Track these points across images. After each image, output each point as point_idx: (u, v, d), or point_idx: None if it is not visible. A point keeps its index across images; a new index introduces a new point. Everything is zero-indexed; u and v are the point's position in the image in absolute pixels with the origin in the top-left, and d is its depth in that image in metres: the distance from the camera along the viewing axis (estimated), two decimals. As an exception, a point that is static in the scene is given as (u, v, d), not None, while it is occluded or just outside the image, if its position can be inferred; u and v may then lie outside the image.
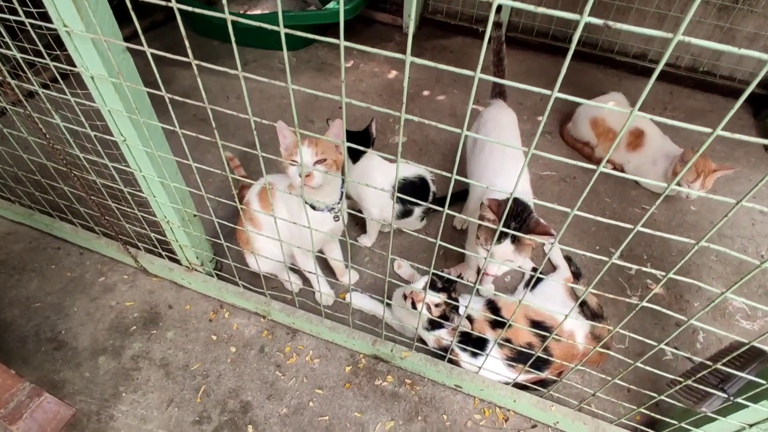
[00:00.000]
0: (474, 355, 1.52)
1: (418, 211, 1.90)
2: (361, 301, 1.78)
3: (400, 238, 2.08)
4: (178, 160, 1.28)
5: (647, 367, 1.12)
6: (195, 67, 0.89)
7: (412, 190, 1.79)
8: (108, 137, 1.27)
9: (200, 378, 1.59)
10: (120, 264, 1.90)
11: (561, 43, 3.24)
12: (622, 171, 2.46)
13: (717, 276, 1.99)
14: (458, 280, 1.42)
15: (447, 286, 1.49)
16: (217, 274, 1.79)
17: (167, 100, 1.03)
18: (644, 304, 0.97)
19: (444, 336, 1.54)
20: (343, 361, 1.65)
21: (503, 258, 1.32)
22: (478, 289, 1.88)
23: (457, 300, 1.50)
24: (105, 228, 1.75)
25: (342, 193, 1.47)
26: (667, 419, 1.32)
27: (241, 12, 3.16)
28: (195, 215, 1.58)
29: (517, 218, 1.31)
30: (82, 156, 1.42)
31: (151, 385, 1.57)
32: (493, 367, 1.49)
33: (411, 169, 1.85)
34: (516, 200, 1.44)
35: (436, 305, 1.46)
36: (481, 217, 1.38)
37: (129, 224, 1.69)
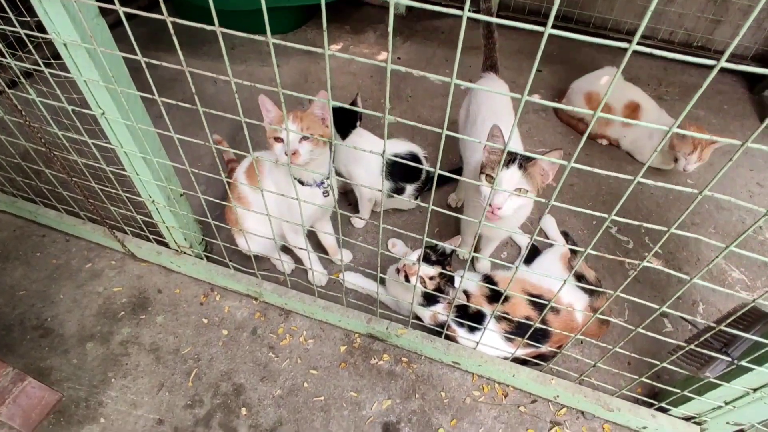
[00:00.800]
0: (471, 329, 1.48)
1: (410, 189, 1.86)
2: (355, 279, 1.74)
3: (394, 217, 2.04)
4: (162, 133, 1.23)
5: (648, 333, 1.09)
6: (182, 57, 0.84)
7: (403, 166, 1.74)
8: (86, 111, 1.22)
9: (191, 362, 1.55)
10: (107, 250, 1.85)
11: (553, 20, 3.18)
12: (618, 146, 2.43)
13: (716, 249, 1.97)
14: (454, 248, 1.38)
15: (441, 259, 1.45)
16: (207, 257, 1.75)
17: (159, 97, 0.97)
18: (645, 263, 0.93)
19: (440, 311, 1.50)
20: (338, 340, 1.62)
21: (510, 185, 1.27)
22: (473, 265, 1.85)
23: (452, 273, 1.47)
24: (90, 212, 1.70)
25: (331, 167, 1.42)
26: (670, 388, 1.29)
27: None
28: (182, 194, 1.53)
29: (522, 156, 1.28)
30: (61, 134, 1.36)
31: (140, 370, 1.53)
32: (491, 341, 1.46)
33: (402, 146, 1.81)
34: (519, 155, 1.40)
35: (431, 278, 1.42)
36: (488, 156, 1.34)
37: (114, 206, 1.64)
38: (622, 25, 3.10)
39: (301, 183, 1.43)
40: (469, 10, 0.62)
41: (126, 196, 1.52)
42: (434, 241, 1.34)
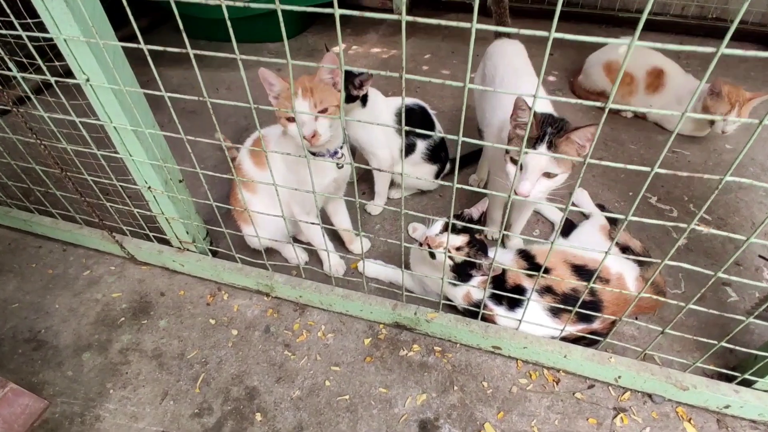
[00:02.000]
0: (511, 306, 1.30)
1: (421, 145, 1.71)
2: (375, 269, 1.57)
3: (413, 202, 1.89)
4: (170, 135, 1.12)
5: (710, 311, 0.90)
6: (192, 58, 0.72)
7: (413, 118, 1.65)
8: (71, 81, 1.11)
9: (198, 366, 1.38)
10: (106, 255, 1.71)
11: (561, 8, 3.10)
12: (644, 117, 2.27)
13: (770, 211, 1.78)
14: (482, 212, 1.22)
15: (469, 228, 1.29)
16: (212, 252, 1.60)
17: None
18: (694, 226, 0.78)
19: (474, 286, 1.33)
20: (361, 333, 1.44)
21: (538, 169, 1.12)
22: (504, 244, 1.68)
23: (482, 242, 1.30)
24: (86, 215, 1.58)
25: (345, 134, 1.27)
26: (754, 351, 1.09)
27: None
28: (181, 180, 1.40)
29: (553, 124, 1.11)
30: (47, 116, 1.25)
31: (142, 378, 1.36)
32: (535, 318, 1.28)
33: (408, 100, 1.72)
34: (549, 114, 1.26)
35: (458, 248, 1.25)
36: (512, 130, 1.18)
37: (110, 202, 1.51)
38: (631, 3, 3.00)
39: (313, 153, 1.29)
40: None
41: (121, 186, 1.40)
42: (459, 215, 1.19)
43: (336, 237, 1.69)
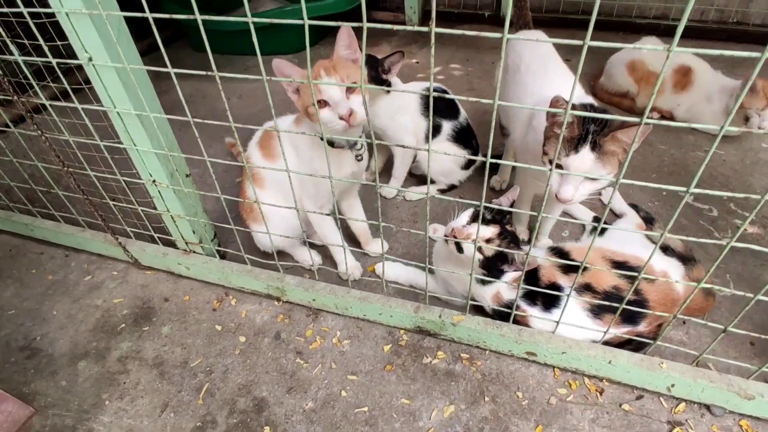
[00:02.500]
0: (547, 306, 1.17)
1: (447, 126, 1.68)
2: (395, 270, 1.46)
3: (432, 203, 1.78)
4: (173, 118, 1.05)
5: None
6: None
7: (439, 103, 1.65)
8: (72, 62, 1.04)
9: (202, 375, 1.26)
10: (109, 260, 1.62)
11: (573, 15, 3.07)
12: (671, 118, 2.17)
13: (819, 209, 1.64)
14: (512, 202, 1.12)
15: (499, 218, 1.18)
16: (219, 255, 1.50)
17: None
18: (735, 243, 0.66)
19: (506, 282, 1.21)
20: (380, 339, 1.32)
21: (581, 172, 1.01)
22: (534, 243, 1.55)
23: (514, 234, 1.19)
24: (90, 216, 1.50)
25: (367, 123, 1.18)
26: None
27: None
28: (188, 174, 1.32)
29: (595, 120, 1.01)
30: (48, 104, 1.18)
31: (141, 388, 1.24)
32: (573, 319, 1.15)
33: (425, 84, 1.73)
34: (590, 104, 1.16)
35: (488, 240, 1.14)
36: (549, 128, 1.08)
37: (114, 201, 1.43)
38: (648, 10, 2.94)
39: (331, 144, 1.20)
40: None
41: (125, 180, 1.32)
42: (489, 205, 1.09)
43: (351, 239, 1.58)
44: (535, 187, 1.36)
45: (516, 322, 1.22)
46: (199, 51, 3.24)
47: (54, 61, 1.06)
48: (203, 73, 0.92)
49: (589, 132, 0.98)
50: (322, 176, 1.06)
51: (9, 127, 1.40)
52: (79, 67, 1.05)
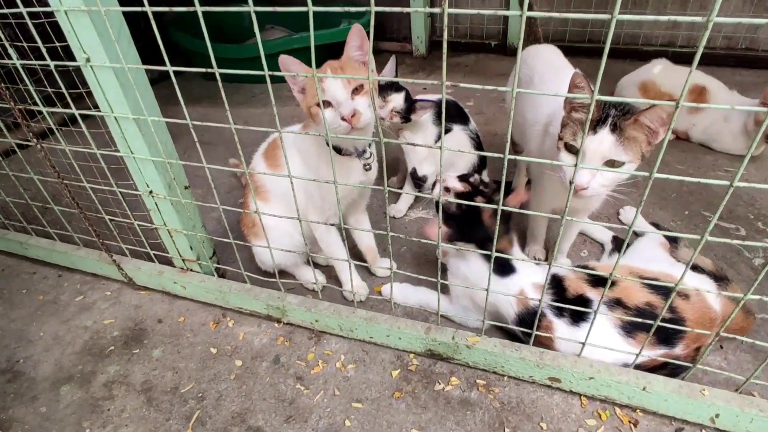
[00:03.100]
0: (575, 319, 1.07)
1: (457, 128, 1.68)
2: (404, 291, 1.37)
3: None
4: (172, 121, 1.01)
5: None
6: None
7: (448, 107, 1.63)
8: (70, 64, 1.01)
9: (193, 402, 1.16)
10: (103, 280, 1.55)
11: (579, 44, 3.08)
12: (687, 140, 2.11)
13: None
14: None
15: (478, 184, 1.17)
16: (218, 274, 1.42)
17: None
18: None
19: (529, 288, 1.12)
20: (388, 364, 1.21)
21: (599, 156, 0.94)
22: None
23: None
24: (85, 233, 1.44)
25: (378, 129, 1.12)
26: None
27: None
28: (186, 186, 1.26)
29: (617, 105, 0.95)
30: (46, 111, 1.15)
31: (126, 416, 1.14)
32: (603, 337, 1.04)
33: (437, 96, 1.71)
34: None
35: (458, 195, 1.14)
36: (567, 115, 1.02)
37: (110, 215, 1.37)
38: (654, 39, 2.95)
39: (338, 151, 1.14)
40: None
41: (121, 192, 1.26)
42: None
43: (358, 259, 1.50)
44: (552, 202, 1.29)
45: (538, 343, 1.11)
46: (208, 80, 3.27)
47: (52, 64, 1.03)
48: (201, 71, 0.85)
49: (609, 115, 0.92)
50: (326, 181, 0.99)
51: (5, 137, 1.36)
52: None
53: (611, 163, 0.95)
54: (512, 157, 0.81)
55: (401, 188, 1.82)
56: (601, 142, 0.93)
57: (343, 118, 0.99)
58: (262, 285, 1.35)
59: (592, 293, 1.09)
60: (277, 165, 1.26)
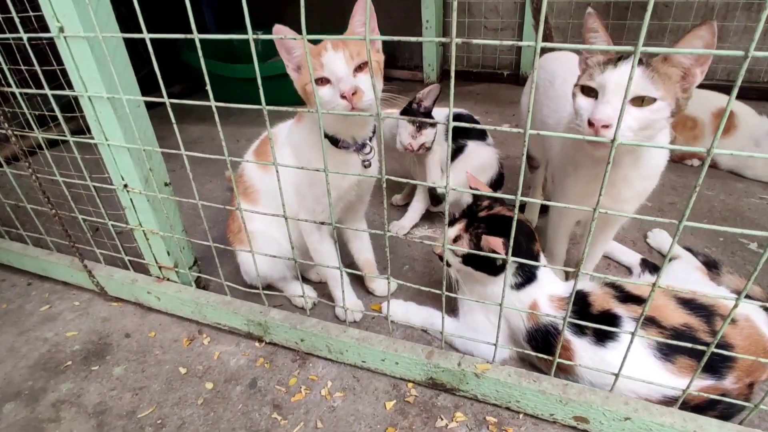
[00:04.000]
0: (600, 339, 0.90)
1: (471, 144, 1.58)
2: (406, 309, 1.21)
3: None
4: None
5: None
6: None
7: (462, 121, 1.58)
8: (44, 36, 0.92)
9: (150, 429, 0.98)
10: (74, 290, 1.41)
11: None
12: (714, 166, 1.97)
13: None
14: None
15: (469, 210, 1.06)
16: (197, 284, 1.27)
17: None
18: None
19: (543, 301, 0.96)
20: (382, 394, 1.03)
21: (621, 88, 0.78)
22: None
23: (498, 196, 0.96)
24: (58, 236, 1.32)
25: (378, 119, 0.99)
26: None
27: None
28: (167, 183, 1.14)
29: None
30: (18, 93, 1.05)
31: (70, 443, 0.96)
32: (634, 363, 0.86)
33: (455, 109, 1.61)
34: None
35: (456, 240, 0.99)
36: (583, 59, 0.89)
37: (84, 214, 1.25)
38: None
39: (335, 143, 1.02)
40: None
41: (94, 186, 1.14)
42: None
43: (354, 277, 1.34)
44: (575, 212, 1.14)
45: (559, 369, 0.93)
46: (217, 100, 3.25)
47: (25, 37, 0.94)
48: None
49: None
50: (316, 169, 0.87)
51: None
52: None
53: (639, 102, 0.80)
54: (535, 132, 0.68)
55: (408, 204, 1.68)
56: (624, 74, 0.78)
57: (342, 96, 0.87)
58: (245, 298, 1.20)
59: (621, 309, 0.93)
60: (268, 162, 1.14)
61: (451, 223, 1.04)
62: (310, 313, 1.17)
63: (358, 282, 1.35)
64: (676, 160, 2.02)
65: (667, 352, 0.88)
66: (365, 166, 1.06)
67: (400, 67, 3.43)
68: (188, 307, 1.22)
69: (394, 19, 3.31)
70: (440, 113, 1.68)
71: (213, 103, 0.85)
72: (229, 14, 3.74)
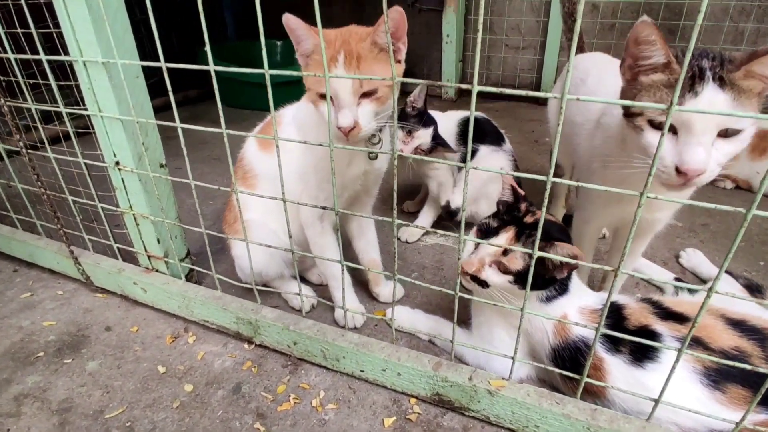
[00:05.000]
0: (637, 358, 0.78)
1: (483, 149, 1.48)
2: (413, 317, 1.09)
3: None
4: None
5: None
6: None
7: (478, 127, 1.49)
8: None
9: (117, 432, 0.87)
10: (60, 279, 1.32)
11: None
12: (748, 189, 1.85)
13: None
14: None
15: (511, 216, 0.88)
16: (187, 278, 1.18)
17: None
18: None
19: (574, 313, 0.84)
20: (380, 409, 0.91)
21: (714, 124, 0.66)
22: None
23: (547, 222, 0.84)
24: (48, 219, 1.24)
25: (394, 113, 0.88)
26: None
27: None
28: (162, 165, 1.07)
29: (706, 55, 0.71)
30: (13, 58, 0.99)
31: (27, 442, 0.86)
32: (678, 390, 0.74)
33: (465, 113, 1.61)
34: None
35: (505, 253, 0.82)
36: (631, 80, 0.77)
37: (74, 195, 1.17)
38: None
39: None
40: None
41: (86, 164, 1.07)
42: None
43: (358, 282, 1.24)
44: (605, 215, 1.02)
45: (587, 392, 0.81)
46: (229, 106, 3.23)
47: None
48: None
49: (705, 68, 0.67)
50: (319, 144, 0.78)
51: None
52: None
53: (723, 134, 0.69)
54: (574, 97, 0.58)
55: (419, 211, 1.59)
56: (712, 104, 0.67)
57: (339, 127, 0.79)
58: (239, 296, 1.09)
59: (662, 326, 0.80)
60: (271, 144, 1.05)
61: (489, 233, 0.86)
62: (307, 316, 1.06)
63: (362, 287, 1.24)
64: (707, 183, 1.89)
65: (716, 379, 0.75)
66: (371, 158, 0.97)
67: (417, 82, 3.39)
68: (175, 301, 1.12)
69: (415, 34, 3.28)
70: (453, 117, 1.61)
71: (212, 67, 0.77)
72: (251, 21, 3.77)
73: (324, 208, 0.87)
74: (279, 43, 3.49)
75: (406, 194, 1.78)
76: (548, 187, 0.65)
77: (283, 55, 3.49)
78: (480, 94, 0.63)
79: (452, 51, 3.09)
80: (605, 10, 2.82)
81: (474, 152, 1.46)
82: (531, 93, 0.62)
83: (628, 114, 0.78)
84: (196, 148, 2.44)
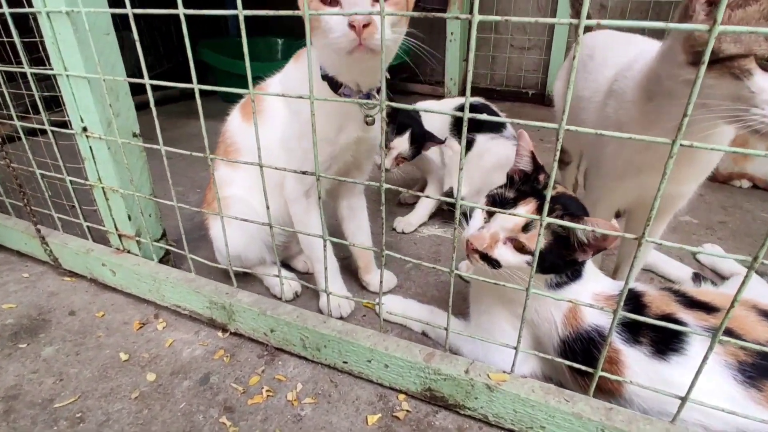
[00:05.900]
0: (660, 350, 0.67)
1: (481, 139, 1.40)
2: (404, 305, 0.99)
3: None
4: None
5: None
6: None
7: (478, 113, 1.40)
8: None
9: (65, 424, 0.77)
10: (27, 261, 1.23)
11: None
12: (766, 188, 1.75)
13: None
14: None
15: (529, 186, 0.76)
16: (160, 260, 1.08)
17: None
18: None
19: (586, 299, 0.73)
20: (364, 405, 0.80)
21: None
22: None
23: (565, 195, 0.74)
24: (17, 197, 1.15)
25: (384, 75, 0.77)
26: None
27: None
28: (136, 134, 0.98)
29: None
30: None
31: (-38, 433, 0.75)
32: (710, 393, 0.63)
33: (472, 99, 1.38)
34: None
35: (525, 228, 0.71)
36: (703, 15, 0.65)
37: (42, 169, 1.09)
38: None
39: (335, 88, 0.83)
40: None
41: (52, 131, 0.98)
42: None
43: (346, 270, 1.14)
44: (621, 192, 0.92)
45: (600, 390, 0.70)
46: (226, 102, 3.17)
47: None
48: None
49: None
50: (299, 96, 0.69)
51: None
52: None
53: None
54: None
55: (416, 203, 1.49)
56: None
57: (351, 24, 0.66)
58: (212, 275, 1.00)
59: (687, 315, 0.70)
60: (254, 112, 0.96)
61: (505, 205, 0.73)
62: (291, 297, 0.97)
63: (352, 275, 1.15)
64: (722, 181, 1.79)
65: (752, 375, 0.65)
66: (367, 123, 0.88)
67: (420, 81, 3.31)
68: (145, 284, 1.03)
69: (419, 30, 3.22)
70: (450, 104, 1.56)
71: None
72: (252, 17, 3.74)
73: (304, 173, 0.77)
74: (280, 41, 3.46)
75: (405, 186, 1.69)
76: (559, 140, 0.55)
77: (284, 52, 3.45)
78: (484, 92, 0.55)
79: (456, 49, 3.02)
80: (614, 10, 2.76)
81: (470, 143, 1.37)
82: (540, 19, 0.53)
83: (717, 60, 0.63)
84: (189, 140, 2.36)
